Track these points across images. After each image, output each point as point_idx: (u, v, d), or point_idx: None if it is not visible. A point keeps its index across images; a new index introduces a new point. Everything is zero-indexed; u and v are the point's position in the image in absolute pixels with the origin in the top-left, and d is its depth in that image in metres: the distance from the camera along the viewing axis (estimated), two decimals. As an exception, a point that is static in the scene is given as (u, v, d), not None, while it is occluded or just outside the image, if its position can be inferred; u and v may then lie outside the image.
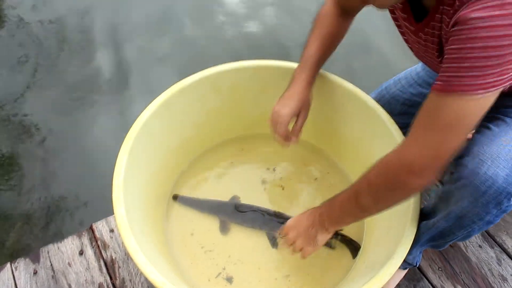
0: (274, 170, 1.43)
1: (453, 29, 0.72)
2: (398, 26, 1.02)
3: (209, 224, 1.29)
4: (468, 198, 0.87)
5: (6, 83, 2.20)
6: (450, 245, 1.30)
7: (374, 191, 0.88)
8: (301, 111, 1.14)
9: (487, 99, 0.73)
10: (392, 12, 1.00)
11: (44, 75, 2.25)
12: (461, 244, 1.31)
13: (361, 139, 1.30)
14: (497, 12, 0.66)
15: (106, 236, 1.29)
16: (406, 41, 1.04)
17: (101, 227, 1.30)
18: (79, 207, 1.74)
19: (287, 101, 1.12)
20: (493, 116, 0.94)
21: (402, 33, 1.02)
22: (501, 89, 0.73)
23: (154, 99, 1.18)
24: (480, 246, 1.32)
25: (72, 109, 2.11)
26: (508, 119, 0.92)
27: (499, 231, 1.35)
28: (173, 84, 1.23)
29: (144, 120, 1.13)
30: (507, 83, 0.72)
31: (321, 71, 1.24)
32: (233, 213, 1.30)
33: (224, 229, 1.28)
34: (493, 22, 0.67)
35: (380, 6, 0.85)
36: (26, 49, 2.37)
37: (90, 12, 2.64)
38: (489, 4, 0.67)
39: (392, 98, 1.30)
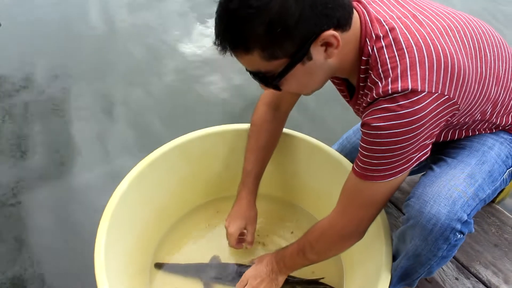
0: (251, 228, 1.47)
1: (362, 128, 0.86)
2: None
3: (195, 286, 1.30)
4: (418, 237, 0.94)
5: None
6: (428, 281, 1.34)
7: (316, 251, 1.10)
8: (248, 226, 1.32)
9: (397, 179, 0.90)
10: (332, 82, 1.12)
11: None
12: (438, 278, 1.35)
13: (329, 189, 1.35)
14: (394, 122, 0.81)
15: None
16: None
17: (85, 306, 1.31)
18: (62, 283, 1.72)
19: (234, 220, 1.31)
20: (436, 157, 1.03)
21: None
22: (410, 169, 0.89)
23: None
24: (456, 279, 1.36)
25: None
26: (449, 159, 1.00)
27: (472, 261, 1.40)
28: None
29: (119, 195, 1.18)
30: (414, 165, 0.88)
31: (284, 130, 1.35)
32: (215, 273, 1.32)
33: None
34: (393, 130, 0.81)
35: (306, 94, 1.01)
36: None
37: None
38: (387, 114, 0.81)
39: (353, 147, 1.38)
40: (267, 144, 1.31)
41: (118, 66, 2.83)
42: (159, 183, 1.33)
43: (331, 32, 0.80)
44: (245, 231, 1.33)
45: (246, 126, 1.36)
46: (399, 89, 0.80)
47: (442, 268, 1.38)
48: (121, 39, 3.05)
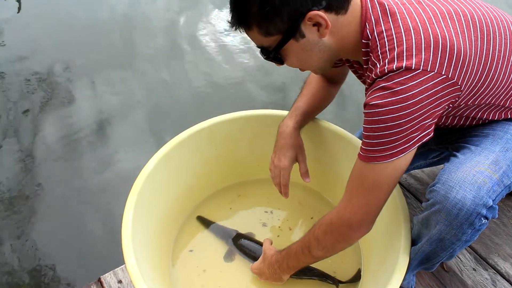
0: (271, 213, 1.50)
1: (364, 110, 0.89)
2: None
3: (216, 264, 1.34)
4: (443, 222, 0.95)
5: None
6: (445, 270, 1.35)
7: (323, 246, 1.07)
8: (299, 156, 1.28)
9: (400, 160, 0.90)
10: (350, 67, 1.16)
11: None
12: (456, 268, 1.37)
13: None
14: (390, 99, 0.83)
15: (114, 287, 1.33)
16: None
17: (109, 279, 1.34)
18: (86, 261, 1.78)
19: (283, 153, 1.25)
20: (459, 146, 1.05)
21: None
22: (413, 150, 0.89)
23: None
24: (474, 270, 1.37)
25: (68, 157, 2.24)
26: (472, 147, 1.01)
27: (490, 253, 1.41)
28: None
29: (147, 173, 1.21)
30: (416, 145, 0.88)
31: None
32: (242, 245, 1.36)
33: (228, 258, 1.35)
34: (389, 106, 0.84)
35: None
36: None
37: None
38: (383, 92, 0.84)
39: None
40: (320, 92, 1.31)
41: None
42: (185, 164, 1.37)
43: (317, 12, 0.87)
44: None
45: (272, 112, 1.38)
46: (394, 67, 0.84)
47: (460, 258, 1.39)
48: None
